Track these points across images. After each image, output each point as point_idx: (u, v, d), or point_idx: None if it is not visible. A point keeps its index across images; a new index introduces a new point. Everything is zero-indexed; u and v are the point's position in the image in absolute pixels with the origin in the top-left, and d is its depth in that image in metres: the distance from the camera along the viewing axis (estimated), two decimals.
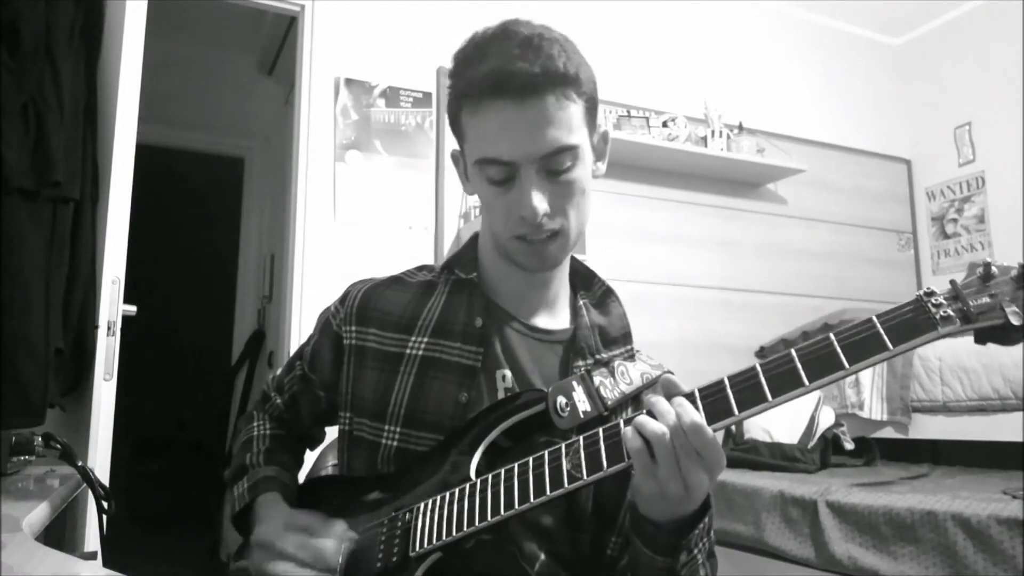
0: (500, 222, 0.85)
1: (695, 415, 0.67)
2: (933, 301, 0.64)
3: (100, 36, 2.00)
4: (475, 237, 0.99)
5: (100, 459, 1.75)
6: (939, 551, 1.68)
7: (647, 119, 3.02)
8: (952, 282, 0.66)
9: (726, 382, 0.68)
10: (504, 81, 0.78)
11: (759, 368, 0.67)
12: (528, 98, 0.78)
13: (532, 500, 0.71)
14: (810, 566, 1.96)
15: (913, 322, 0.64)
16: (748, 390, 0.67)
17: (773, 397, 0.66)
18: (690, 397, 0.69)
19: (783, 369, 0.66)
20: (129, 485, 4.16)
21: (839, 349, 0.64)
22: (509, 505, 0.72)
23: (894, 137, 3.75)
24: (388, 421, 0.87)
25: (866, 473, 2.48)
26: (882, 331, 0.64)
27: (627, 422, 0.71)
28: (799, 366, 0.65)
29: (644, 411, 0.70)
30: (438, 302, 0.93)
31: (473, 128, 0.83)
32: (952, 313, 0.63)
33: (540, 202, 0.81)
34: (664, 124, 3.03)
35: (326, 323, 0.99)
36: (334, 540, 0.80)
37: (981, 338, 0.65)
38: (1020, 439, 2.26)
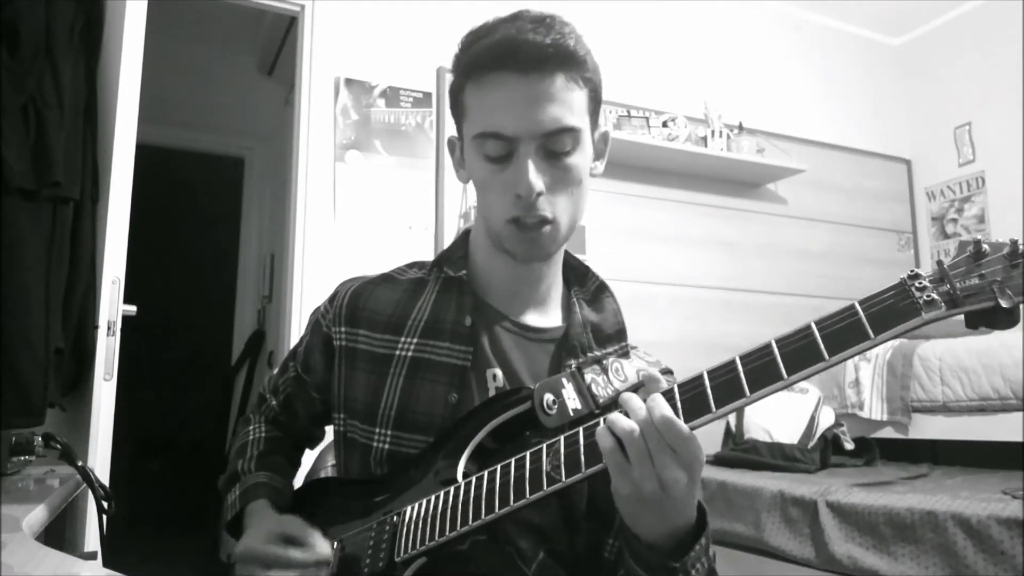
0: (495, 203, 0.83)
1: (666, 409, 0.64)
2: (917, 284, 0.59)
3: (100, 36, 2.00)
4: (467, 233, 0.97)
5: (100, 459, 1.74)
6: (939, 551, 1.68)
7: (647, 119, 3.02)
8: (939, 262, 0.61)
9: (705, 377, 0.66)
10: (513, 52, 0.77)
11: (738, 361, 0.65)
12: (534, 72, 0.77)
13: (512, 503, 0.70)
14: (810, 566, 1.96)
15: (895, 308, 0.59)
16: (726, 385, 0.64)
17: (752, 391, 0.63)
18: (667, 393, 0.67)
19: (763, 361, 0.63)
20: (129, 485, 4.16)
21: (819, 339, 0.61)
22: (490, 509, 0.71)
23: (894, 137, 3.75)
24: (379, 424, 0.86)
25: (866, 473, 2.48)
26: (864, 318, 0.60)
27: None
28: (778, 358, 0.62)
29: (619, 409, 0.68)
30: (428, 301, 0.91)
31: (475, 102, 0.81)
32: (937, 297, 0.58)
33: (537, 180, 0.78)
34: (664, 124, 3.03)
35: (316, 324, 0.98)
36: (316, 549, 0.80)
37: (972, 322, 0.60)
38: (1020, 439, 2.26)
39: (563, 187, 0.81)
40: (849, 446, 2.56)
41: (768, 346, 0.64)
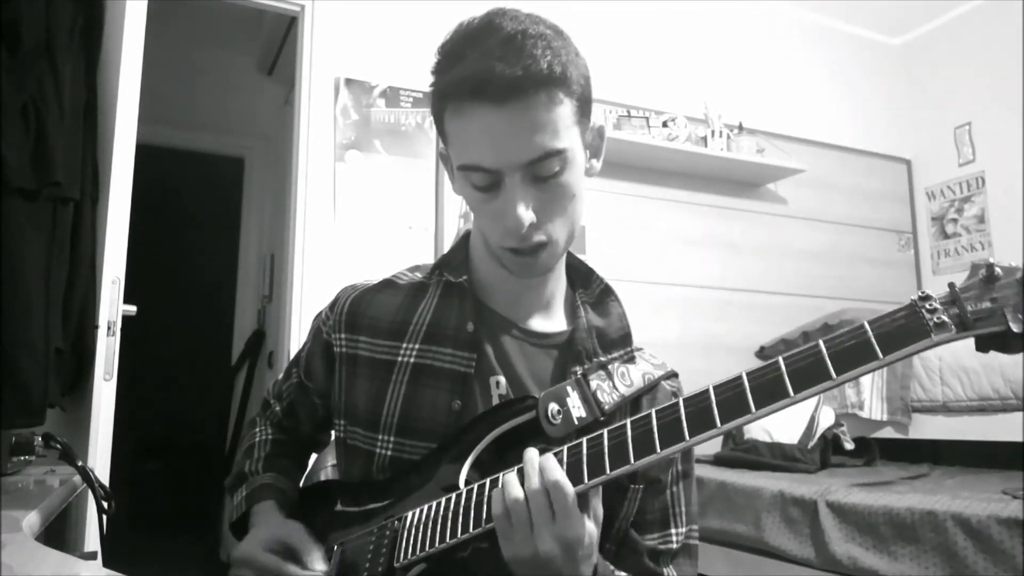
0: (489, 230, 0.82)
1: (558, 474, 0.66)
2: (928, 306, 0.59)
3: (100, 36, 2.00)
4: (466, 236, 0.95)
5: (100, 459, 1.74)
6: (939, 551, 1.68)
7: (647, 119, 3.02)
8: (950, 285, 0.61)
9: (710, 391, 0.66)
10: (484, 84, 0.73)
11: (744, 377, 0.64)
12: (510, 102, 0.73)
13: None
14: (810, 566, 1.95)
15: (905, 329, 0.59)
16: (736, 397, 0.64)
17: (757, 408, 0.63)
18: (564, 450, 0.70)
19: (769, 378, 0.63)
20: (129, 485, 4.16)
21: (827, 358, 0.61)
22: (491, 518, 0.70)
23: (894, 137, 3.75)
24: (381, 431, 0.85)
25: (866, 473, 2.48)
26: (873, 338, 0.60)
27: (493, 482, 0.71)
28: (786, 376, 0.62)
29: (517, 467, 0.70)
30: (429, 306, 0.90)
31: (455, 132, 0.79)
32: (947, 319, 0.58)
33: (525, 212, 0.76)
34: (664, 124, 3.03)
35: (317, 330, 0.97)
36: (312, 566, 0.80)
37: (982, 345, 0.60)
38: (1020, 439, 2.26)
39: (555, 207, 0.79)
40: (849, 446, 2.56)
41: (775, 363, 0.63)
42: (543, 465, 0.67)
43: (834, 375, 0.60)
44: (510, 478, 0.68)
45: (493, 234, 0.82)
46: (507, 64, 0.72)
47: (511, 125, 0.74)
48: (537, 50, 0.74)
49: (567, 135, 0.77)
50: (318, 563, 0.81)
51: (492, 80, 0.72)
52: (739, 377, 0.65)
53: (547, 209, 0.79)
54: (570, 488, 0.66)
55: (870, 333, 0.60)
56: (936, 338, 0.58)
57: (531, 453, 0.69)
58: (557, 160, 0.77)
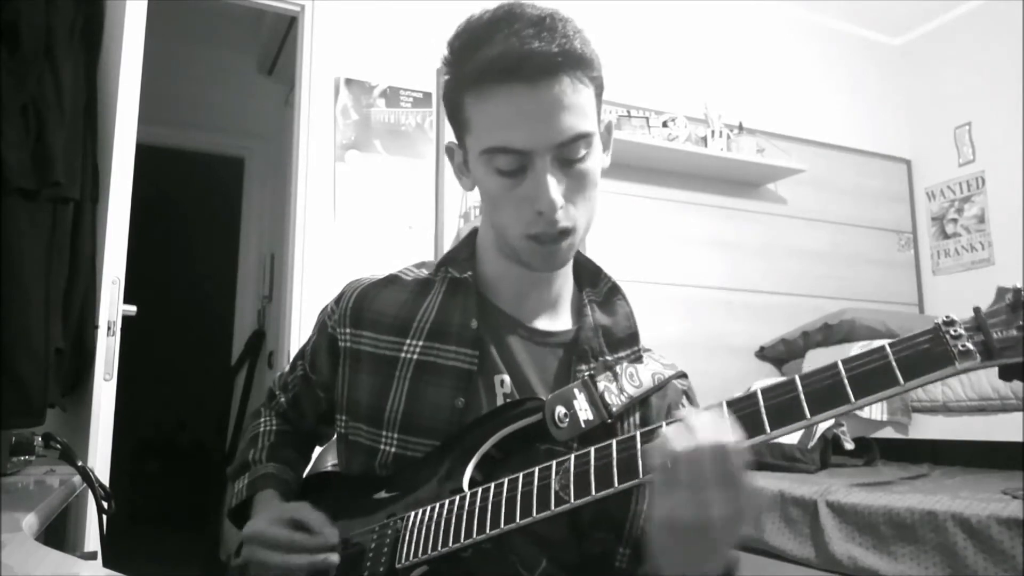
0: (510, 219, 0.79)
1: (730, 434, 0.60)
2: (953, 332, 0.58)
3: (100, 36, 2.00)
4: (473, 232, 0.95)
5: (100, 459, 1.75)
6: (939, 551, 1.68)
7: (647, 119, 3.02)
8: (976, 310, 0.59)
9: (724, 406, 0.64)
10: (519, 63, 0.72)
11: (760, 396, 0.62)
12: (543, 81, 0.73)
13: (518, 520, 0.69)
14: (810, 566, 1.95)
15: (929, 355, 0.58)
16: (746, 419, 0.62)
17: (772, 429, 0.61)
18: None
19: (785, 399, 0.61)
20: (129, 485, 4.16)
21: (846, 380, 0.59)
22: (495, 524, 0.70)
23: (894, 137, 3.75)
24: (385, 427, 0.84)
25: (866, 473, 2.48)
26: (894, 363, 0.58)
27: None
28: (802, 397, 0.61)
29: (665, 423, 0.65)
30: (434, 303, 0.89)
31: (481, 115, 0.77)
32: (972, 347, 0.57)
33: (557, 194, 0.75)
34: (664, 124, 3.03)
35: (322, 324, 0.96)
36: (324, 535, 0.79)
37: (1006, 374, 0.58)
38: (1020, 439, 2.26)
39: (580, 193, 0.79)
40: (849, 446, 2.56)
41: (792, 382, 0.61)
42: (714, 422, 0.61)
43: (852, 399, 0.59)
44: (673, 430, 0.61)
45: (518, 222, 0.79)
46: (544, 42, 0.73)
47: (544, 105, 0.74)
48: (569, 31, 0.76)
49: (592, 120, 0.78)
50: (330, 533, 0.79)
51: (529, 58, 0.72)
52: (754, 395, 0.63)
53: (572, 195, 0.78)
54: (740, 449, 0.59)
55: (891, 357, 0.59)
56: (960, 366, 0.57)
57: (690, 408, 0.67)
58: (584, 144, 0.77)
